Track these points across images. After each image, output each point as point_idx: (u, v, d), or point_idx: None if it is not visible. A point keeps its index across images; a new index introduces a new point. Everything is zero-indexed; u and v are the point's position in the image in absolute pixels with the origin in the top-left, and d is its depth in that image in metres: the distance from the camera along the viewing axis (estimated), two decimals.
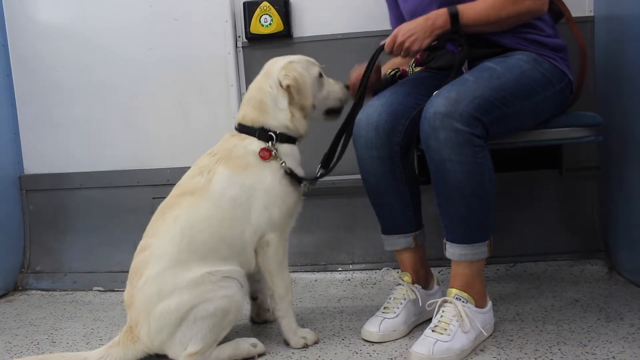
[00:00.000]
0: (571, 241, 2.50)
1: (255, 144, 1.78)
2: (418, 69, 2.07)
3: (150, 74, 2.75)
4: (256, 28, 2.61)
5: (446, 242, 1.73)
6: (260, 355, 1.73)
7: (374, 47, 1.91)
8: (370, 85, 1.91)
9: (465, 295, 1.68)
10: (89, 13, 2.77)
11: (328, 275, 2.57)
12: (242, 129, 1.83)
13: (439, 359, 1.57)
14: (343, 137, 1.90)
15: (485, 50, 1.85)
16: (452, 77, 1.75)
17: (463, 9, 1.77)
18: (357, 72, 1.93)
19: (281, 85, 1.80)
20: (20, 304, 2.55)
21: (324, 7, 2.62)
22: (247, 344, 1.73)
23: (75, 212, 2.86)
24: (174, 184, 2.70)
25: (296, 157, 1.85)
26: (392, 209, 1.88)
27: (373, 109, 1.82)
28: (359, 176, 1.91)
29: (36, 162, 2.89)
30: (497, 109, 1.66)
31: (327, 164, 1.90)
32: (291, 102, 1.80)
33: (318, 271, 2.60)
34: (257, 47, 2.67)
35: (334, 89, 1.93)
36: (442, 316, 1.66)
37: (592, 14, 2.43)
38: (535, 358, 1.58)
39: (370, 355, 1.68)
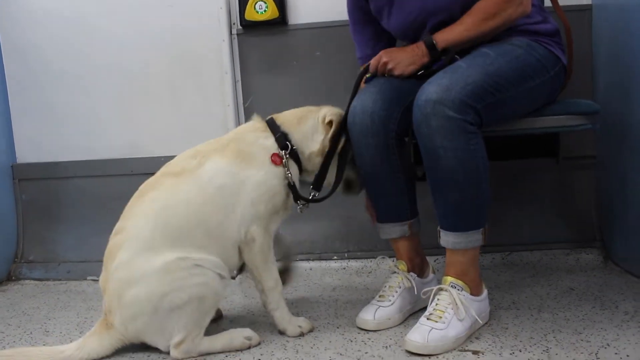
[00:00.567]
0: (567, 230, 2.50)
1: (270, 142, 1.79)
2: None
3: (143, 61, 2.72)
4: (251, 15, 2.59)
5: (440, 230, 1.73)
6: (254, 346, 1.71)
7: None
8: None
9: (460, 283, 1.68)
10: None
11: (323, 264, 2.57)
12: (270, 122, 1.85)
13: (434, 346, 1.56)
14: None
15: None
16: (446, 64, 1.74)
17: (440, 36, 1.78)
18: None
19: (324, 121, 1.85)
20: (13, 294, 2.53)
21: None
22: (241, 336, 1.70)
23: (69, 201, 2.84)
24: None
25: (296, 175, 1.83)
26: (388, 196, 1.87)
27: (368, 97, 1.80)
28: None
29: (29, 151, 2.87)
30: (491, 95, 1.64)
31: (318, 185, 1.87)
32: (323, 140, 1.83)
33: (313, 260, 2.59)
34: (251, 34, 2.65)
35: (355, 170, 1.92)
36: (437, 304, 1.65)
37: (590, 2, 2.42)
38: (530, 346, 1.58)
39: (365, 343, 1.68)
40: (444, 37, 1.78)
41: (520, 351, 1.55)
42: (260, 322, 1.91)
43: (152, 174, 2.69)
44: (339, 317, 1.92)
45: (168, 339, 1.63)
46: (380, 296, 1.84)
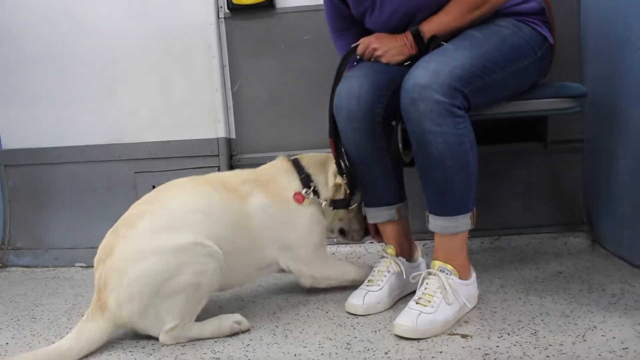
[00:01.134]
0: (555, 214, 2.51)
1: (295, 184, 1.89)
2: None
3: (130, 45, 2.70)
4: None
5: (429, 214, 1.73)
6: (244, 331, 1.70)
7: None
8: None
9: (448, 267, 1.68)
10: None
11: None
12: (296, 162, 1.94)
13: (422, 330, 1.56)
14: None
15: None
16: (433, 47, 1.73)
17: (426, 26, 1.78)
18: None
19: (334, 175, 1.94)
20: (0, 281, 2.52)
21: None
22: (230, 321, 1.69)
23: (56, 188, 2.82)
24: (155, 158, 2.70)
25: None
26: (375, 180, 1.86)
27: (354, 80, 1.79)
28: None
29: (14, 137, 2.85)
30: (478, 78, 1.64)
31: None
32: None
33: None
34: (239, 18, 2.63)
35: (357, 226, 2.05)
36: (425, 288, 1.66)
37: None
38: (518, 329, 1.58)
39: (354, 328, 1.68)
40: (430, 27, 1.78)
41: (509, 334, 1.55)
42: (250, 307, 1.91)
43: (140, 159, 2.71)
44: (328, 302, 1.92)
45: (161, 325, 1.62)
46: (369, 281, 1.84)
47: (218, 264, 1.64)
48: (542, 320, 1.64)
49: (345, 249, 2.53)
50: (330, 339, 1.62)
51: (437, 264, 1.69)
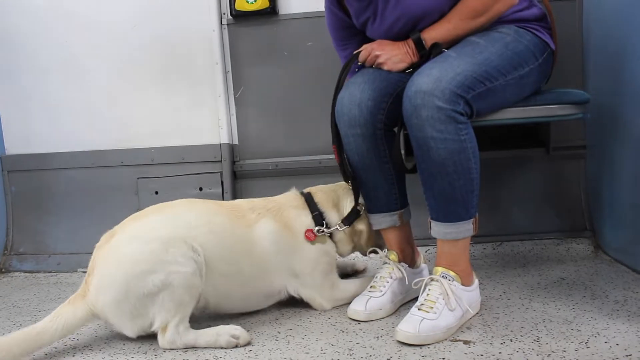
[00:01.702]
0: (557, 220, 2.51)
1: (308, 220, 1.89)
2: None
3: (133, 51, 2.71)
4: (241, 5, 2.57)
5: (431, 220, 1.72)
6: (242, 346, 1.66)
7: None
8: None
9: (451, 273, 1.68)
10: None
11: None
12: (309, 199, 1.94)
13: (425, 337, 1.56)
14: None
15: None
16: (434, 54, 1.74)
17: (428, 34, 1.79)
18: None
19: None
20: (3, 286, 2.52)
21: None
22: (228, 334, 1.65)
23: (59, 193, 2.82)
24: (158, 164, 2.71)
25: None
26: (377, 187, 1.86)
27: (356, 87, 1.79)
28: None
29: (18, 143, 2.85)
30: (480, 85, 1.64)
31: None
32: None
33: None
34: (242, 24, 2.64)
35: (373, 242, 2.02)
36: (428, 294, 1.65)
37: None
38: (521, 335, 1.58)
39: (357, 334, 1.68)
40: (432, 35, 1.79)
41: (511, 341, 1.55)
42: (252, 313, 1.90)
43: (142, 165, 2.71)
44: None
45: (134, 324, 1.63)
46: (371, 287, 1.84)
47: (198, 269, 1.66)
48: (544, 326, 1.63)
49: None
50: (332, 345, 1.61)
51: (440, 270, 1.69)
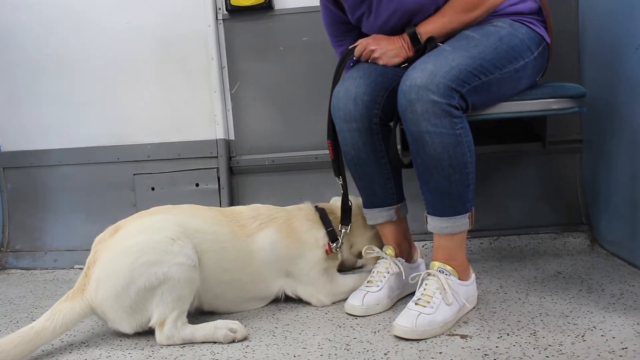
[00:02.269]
0: (554, 214, 2.51)
1: (321, 234, 1.92)
2: None
3: (129, 46, 2.70)
4: (237, 0, 2.56)
5: (427, 215, 1.72)
6: (240, 340, 1.65)
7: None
8: None
9: (448, 267, 1.68)
10: None
11: None
12: (323, 215, 1.96)
13: (422, 331, 1.56)
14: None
15: None
16: (430, 48, 1.73)
17: (423, 28, 1.79)
18: None
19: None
20: None
21: None
22: (225, 328, 1.65)
23: (55, 190, 2.82)
24: (154, 160, 2.71)
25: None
26: (373, 181, 1.86)
27: (351, 81, 1.79)
28: None
29: (14, 139, 2.84)
30: (475, 78, 1.64)
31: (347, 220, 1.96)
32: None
33: None
34: (237, 20, 2.63)
35: (350, 258, 2.06)
36: (425, 289, 1.65)
37: None
38: (518, 329, 1.58)
39: (354, 329, 1.68)
40: (427, 29, 1.78)
41: (508, 334, 1.55)
42: (250, 316, 1.90)
43: (139, 161, 2.71)
44: None
45: (132, 320, 1.63)
46: (368, 281, 1.84)
47: (195, 267, 1.67)
48: (541, 320, 1.64)
49: None
50: (329, 340, 1.61)
51: (436, 264, 1.69)
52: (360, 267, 2.19)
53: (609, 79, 2.15)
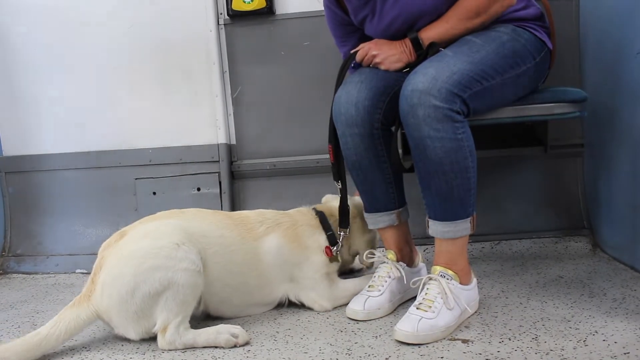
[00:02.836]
0: (555, 218, 2.51)
1: (322, 239, 1.93)
2: None
3: (130, 51, 2.70)
4: (238, 5, 2.57)
5: (429, 219, 1.72)
6: (241, 345, 1.65)
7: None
8: None
9: (449, 272, 1.68)
10: None
11: None
12: (323, 218, 1.97)
13: (423, 336, 1.56)
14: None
15: None
16: (431, 54, 1.74)
17: (425, 34, 1.79)
18: None
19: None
20: (1, 288, 2.52)
21: None
22: (227, 333, 1.65)
23: (56, 194, 2.82)
24: (156, 164, 2.71)
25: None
26: (374, 186, 1.86)
27: (353, 86, 1.79)
28: None
29: (15, 144, 2.85)
30: (477, 83, 1.64)
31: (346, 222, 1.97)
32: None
33: None
34: (239, 24, 2.64)
35: (348, 258, 2.09)
36: (426, 293, 1.65)
37: None
38: (519, 334, 1.58)
39: (355, 333, 1.68)
40: (430, 34, 1.79)
41: (510, 339, 1.55)
42: (252, 320, 1.90)
43: (140, 166, 2.71)
44: None
45: (137, 326, 1.63)
46: (369, 286, 1.84)
47: (199, 272, 1.67)
48: (543, 325, 1.63)
49: None
50: (331, 344, 1.61)
51: (438, 269, 1.69)
52: (360, 271, 2.19)
53: (610, 83, 2.16)
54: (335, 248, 1.92)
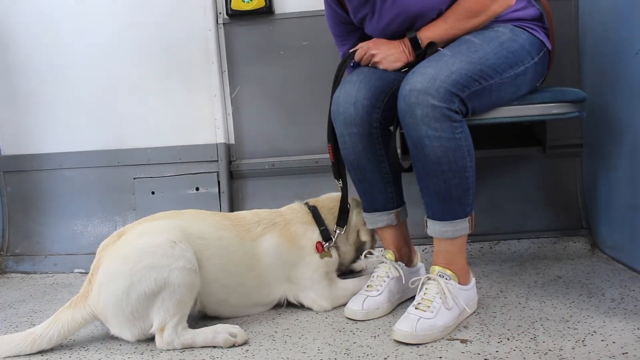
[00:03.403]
0: (554, 218, 2.51)
1: (316, 235, 1.92)
2: None
3: (129, 51, 2.70)
4: (237, 4, 2.57)
5: (427, 219, 1.72)
6: (240, 345, 1.65)
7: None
8: None
9: (448, 272, 1.68)
10: None
11: None
12: (316, 213, 1.97)
13: (422, 335, 1.56)
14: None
15: None
16: (430, 53, 1.74)
17: (424, 33, 1.79)
18: None
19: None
20: None
21: None
22: (226, 332, 1.65)
23: (55, 193, 2.82)
24: (154, 164, 2.71)
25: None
26: (373, 185, 1.86)
27: (352, 85, 1.79)
28: None
29: (13, 143, 2.84)
30: (475, 83, 1.64)
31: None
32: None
33: None
34: (238, 24, 2.64)
35: (348, 256, 2.07)
36: (425, 293, 1.65)
37: None
38: (518, 334, 1.58)
39: (354, 333, 1.68)
40: (428, 34, 1.79)
41: (508, 339, 1.55)
42: (250, 320, 1.89)
43: (139, 165, 2.71)
44: None
45: (133, 327, 1.63)
46: (368, 286, 1.84)
47: (195, 271, 1.67)
48: (541, 325, 1.63)
49: None
50: (329, 344, 1.61)
51: (437, 269, 1.69)
52: (360, 272, 2.19)
53: (608, 83, 2.16)
54: (327, 244, 1.91)
